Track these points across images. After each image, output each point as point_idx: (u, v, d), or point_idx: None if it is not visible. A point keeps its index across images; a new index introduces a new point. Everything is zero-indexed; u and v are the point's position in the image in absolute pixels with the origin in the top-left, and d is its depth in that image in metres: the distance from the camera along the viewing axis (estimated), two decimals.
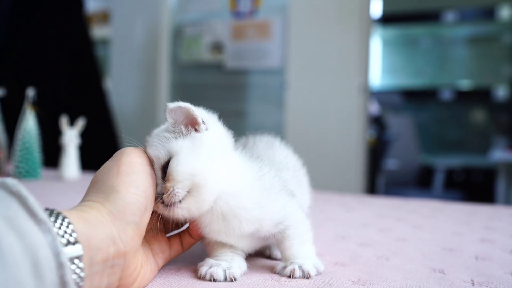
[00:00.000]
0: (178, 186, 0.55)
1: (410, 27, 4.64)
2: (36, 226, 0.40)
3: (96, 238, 0.47)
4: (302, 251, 0.62)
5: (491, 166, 3.79)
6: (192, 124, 0.58)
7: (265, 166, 0.62)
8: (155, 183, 0.56)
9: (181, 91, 3.08)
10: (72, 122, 1.47)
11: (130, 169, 0.54)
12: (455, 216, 1.10)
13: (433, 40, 4.71)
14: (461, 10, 4.34)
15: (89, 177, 1.52)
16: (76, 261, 0.43)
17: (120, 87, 3.24)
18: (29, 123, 1.37)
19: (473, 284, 0.60)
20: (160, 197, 0.56)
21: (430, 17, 4.44)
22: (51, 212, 0.45)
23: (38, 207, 0.42)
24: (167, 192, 0.55)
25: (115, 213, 0.50)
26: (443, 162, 4.15)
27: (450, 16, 4.35)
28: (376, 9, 4.33)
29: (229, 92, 2.98)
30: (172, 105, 0.58)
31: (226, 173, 0.58)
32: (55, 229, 0.43)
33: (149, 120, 3.10)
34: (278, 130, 2.71)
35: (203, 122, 0.58)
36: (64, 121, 1.41)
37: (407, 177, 3.95)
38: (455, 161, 4.24)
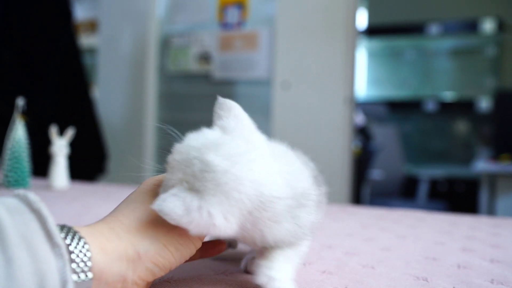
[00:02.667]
0: None
1: (394, 39, 4.70)
2: (51, 250, 0.40)
3: (109, 273, 0.46)
4: (283, 266, 0.56)
5: (474, 176, 3.85)
6: None
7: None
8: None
9: (169, 101, 3.09)
10: (59, 131, 1.48)
11: (187, 236, 0.51)
12: (438, 226, 1.12)
13: (418, 52, 4.78)
14: (444, 23, 4.41)
15: (77, 186, 1.53)
16: None
17: (107, 96, 3.24)
18: (19, 132, 1.37)
19: None
20: None
21: (414, 29, 4.51)
22: (73, 234, 0.44)
23: (56, 230, 0.42)
24: None
25: (142, 255, 0.49)
26: (427, 172, 4.20)
27: (434, 29, 4.42)
28: (362, 21, 4.38)
29: (216, 102, 2.99)
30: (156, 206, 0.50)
31: None
32: (73, 255, 0.43)
33: (136, 130, 3.10)
34: None
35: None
36: (53, 130, 1.42)
37: (391, 187, 3.99)
38: (439, 171, 4.29)
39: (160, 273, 0.51)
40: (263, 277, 0.54)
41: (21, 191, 0.44)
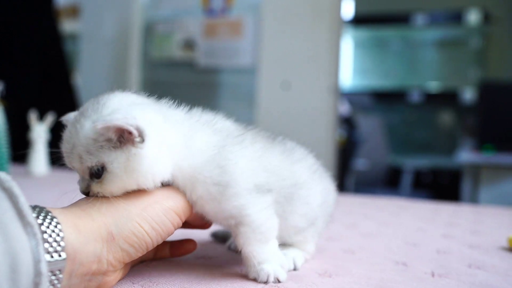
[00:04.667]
0: (108, 196, 0.52)
1: (381, 29, 4.71)
2: (22, 229, 0.40)
3: (83, 254, 0.45)
4: (263, 252, 0.56)
5: (457, 167, 3.87)
6: (127, 135, 0.50)
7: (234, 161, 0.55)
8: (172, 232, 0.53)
9: (152, 89, 3.06)
10: (40, 117, 1.46)
11: (164, 214, 0.51)
12: (420, 213, 1.13)
13: (403, 43, 4.78)
14: (430, 14, 4.41)
15: (57, 174, 1.51)
16: (57, 272, 0.42)
17: (89, 83, 3.20)
18: None
19: (433, 275, 0.62)
20: (83, 192, 0.53)
21: (400, 19, 4.51)
22: (46, 214, 0.43)
23: (28, 208, 0.41)
24: (93, 193, 0.52)
25: (115, 236, 0.48)
26: (411, 163, 4.23)
27: (419, 19, 4.42)
28: (349, 10, 4.37)
29: (200, 89, 2.98)
30: (100, 125, 0.48)
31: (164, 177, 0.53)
32: (46, 235, 0.42)
33: None
34: None
35: (139, 135, 0.50)
36: (33, 116, 1.40)
37: (376, 177, 4.01)
38: (423, 162, 4.32)
39: (136, 254, 0.50)
40: (253, 273, 0.56)
41: None
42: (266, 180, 0.57)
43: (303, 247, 0.65)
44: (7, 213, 0.39)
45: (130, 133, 0.49)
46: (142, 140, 0.50)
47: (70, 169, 0.54)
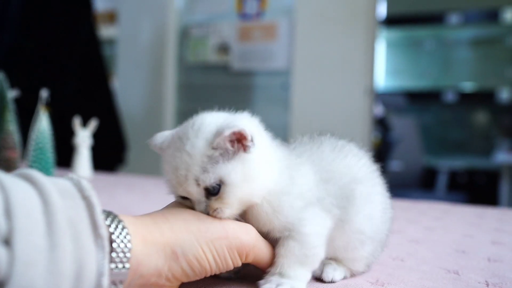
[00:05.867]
0: (228, 209, 0.52)
1: (414, 29, 4.65)
2: (94, 241, 0.41)
3: (145, 266, 0.46)
4: (296, 271, 0.55)
5: (494, 168, 3.80)
6: (240, 141, 0.51)
7: (300, 174, 0.56)
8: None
9: (187, 92, 3.10)
10: (81, 122, 1.49)
11: (228, 251, 0.52)
12: (464, 218, 1.11)
13: (437, 42, 4.72)
14: (465, 13, 4.35)
15: (100, 177, 1.54)
16: (118, 282, 0.43)
17: (126, 87, 3.25)
18: (43, 123, 1.38)
19: (487, 285, 0.61)
20: (203, 213, 0.53)
21: (434, 19, 4.45)
22: (118, 223, 0.45)
23: (102, 220, 0.42)
24: (212, 210, 0.52)
25: (179, 256, 0.48)
26: (446, 163, 4.16)
27: (454, 18, 4.36)
28: (381, 11, 4.34)
29: (235, 93, 2.99)
30: (228, 132, 0.49)
31: (270, 184, 0.54)
32: (114, 244, 0.43)
33: (155, 121, 3.11)
34: (283, 132, 2.72)
35: (252, 139, 0.51)
36: (77, 122, 1.43)
37: (410, 178, 3.96)
38: (458, 163, 4.25)
39: (194, 277, 0.51)
40: (271, 285, 0.54)
41: (74, 176, 0.45)
42: (326, 188, 0.57)
43: (350, 264, 0.62)
44: (82, 223, 0.41)
45: (243, 138, 0.50)
46: (253, 144, 0.51)
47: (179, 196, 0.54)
